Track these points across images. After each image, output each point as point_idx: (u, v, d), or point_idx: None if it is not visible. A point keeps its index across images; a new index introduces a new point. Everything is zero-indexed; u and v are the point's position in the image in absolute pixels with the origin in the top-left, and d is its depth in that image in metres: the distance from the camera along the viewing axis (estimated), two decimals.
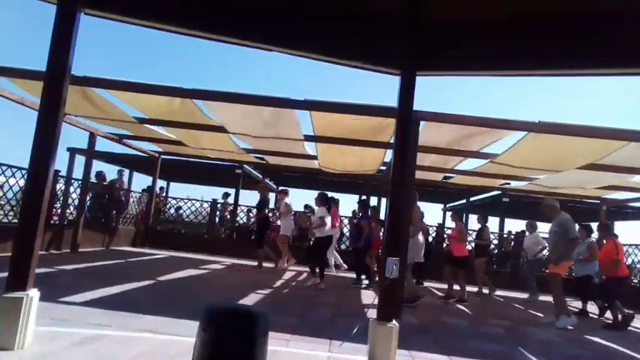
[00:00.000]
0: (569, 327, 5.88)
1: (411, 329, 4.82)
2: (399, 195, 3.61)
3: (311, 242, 9.92)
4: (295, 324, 4.45)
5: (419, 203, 7.05)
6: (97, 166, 10.74)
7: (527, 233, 9.73)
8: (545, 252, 9.03)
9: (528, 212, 14.80)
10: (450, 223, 13.70)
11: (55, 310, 3.88)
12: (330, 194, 8.72)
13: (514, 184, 10.00)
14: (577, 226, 7.75)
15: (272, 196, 11.80)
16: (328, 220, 7.43)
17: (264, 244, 8.99)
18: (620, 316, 6.62)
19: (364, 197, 9.07)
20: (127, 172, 12.11)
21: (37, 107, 3.31)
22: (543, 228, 9.58)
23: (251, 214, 12.80)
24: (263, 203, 9.08)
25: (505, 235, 12.88)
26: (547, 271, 6.34)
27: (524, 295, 9.24)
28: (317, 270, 7.52)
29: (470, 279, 8.55)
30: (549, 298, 6.61)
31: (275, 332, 3.68)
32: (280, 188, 9.52)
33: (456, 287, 7.52)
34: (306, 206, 12.78)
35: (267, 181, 13.81)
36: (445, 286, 7.79)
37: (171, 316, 4.10)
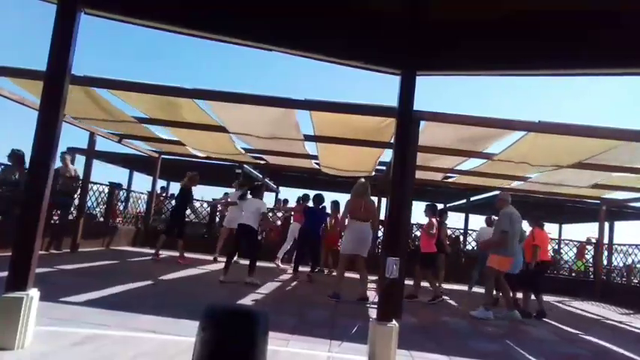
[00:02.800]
0: (481, 318, 6.01)
1: (411, 329, 4.82)
2: (399, 195, 3.62)
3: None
4: (295, 324, 4.45)
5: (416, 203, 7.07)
6: (97, 166, 10.67)
7: (484, 225, 9.55)
8: None
9: (528, 212, 14.81)
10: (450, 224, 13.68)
11: (55, 310, 3.88)
12: (326, 194, 8.84)
13: (514, 184, 10.00)
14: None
15: (271, 196, 11.67)
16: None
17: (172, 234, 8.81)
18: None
19: (319, 192, 9.11)
20: (73, 155, 9.53)
21: (37, 107, 3.31)
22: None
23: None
24: (182, 194, 8.86)
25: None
26: (487, 265, 6.47)
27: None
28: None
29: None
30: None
31: (275, 332, 3.68)
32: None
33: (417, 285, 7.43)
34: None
35: (267, 180, 13.80)
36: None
37: (171, 316, 4.10)
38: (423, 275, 7.29)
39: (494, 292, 6.73)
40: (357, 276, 6.57)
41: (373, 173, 10.17)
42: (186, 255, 8.96)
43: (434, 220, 7.40)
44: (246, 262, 7.07)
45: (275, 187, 16.59)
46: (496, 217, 9.15)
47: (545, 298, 9.07)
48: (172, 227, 8.83)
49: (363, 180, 6.85)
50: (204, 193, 42.38)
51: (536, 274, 6.90)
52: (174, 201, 9.28)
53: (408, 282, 6.91)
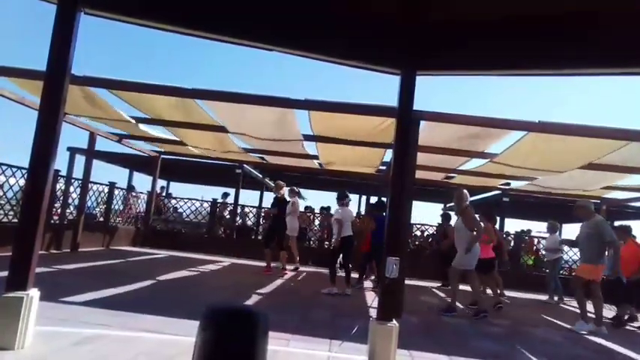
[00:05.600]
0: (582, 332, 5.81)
1: (411, 329, 4.82)
2: (399, 195, 3.61)
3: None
4: (295, 324, 4.45)
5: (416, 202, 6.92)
6: (97, 166, 10.68)
7: (548, 234, 9.55)
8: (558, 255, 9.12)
9: (528, 212, 14.82)
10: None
11: (55, 310, 3.88)
12: (326, 194, 8.64)
13: (514, 184, 10.00)
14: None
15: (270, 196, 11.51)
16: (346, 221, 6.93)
17: (274, 245, 8.55)
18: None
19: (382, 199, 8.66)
20: None
21: (37, 107, 3.31)
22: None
23: (252, 214, 12.85)
24: (278, 202, 8.56)
25: (504, 235, 12.89)
26: (574, 274, 6.19)
27: (544, 297, 9.22)
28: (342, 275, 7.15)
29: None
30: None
31: (275, 332, 3.68)
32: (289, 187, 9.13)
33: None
34: (307, 207, 12.79)
35: (266, 180, 13.82)
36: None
37: (171, 316, 4.10)
38: (486, 281, 7.14)
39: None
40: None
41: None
42: (212, 258, 8.86)
43: (490, 225, 7.33)
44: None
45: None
46: (554, 223, 9.19)
47: (545, 298, 9.12)
48: (273, 238, 8.50)
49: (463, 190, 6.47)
50: (204, 193, 42.34)
51: (636, 287, 6.84)
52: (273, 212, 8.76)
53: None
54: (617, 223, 8.00)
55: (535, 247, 12.60)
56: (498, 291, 7.50)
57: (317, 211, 12.53)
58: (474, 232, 6.05)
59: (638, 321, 6.98)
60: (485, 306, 6.18)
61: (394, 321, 3.38)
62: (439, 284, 9.33)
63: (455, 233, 6.44)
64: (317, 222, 12.51)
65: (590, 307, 6.11)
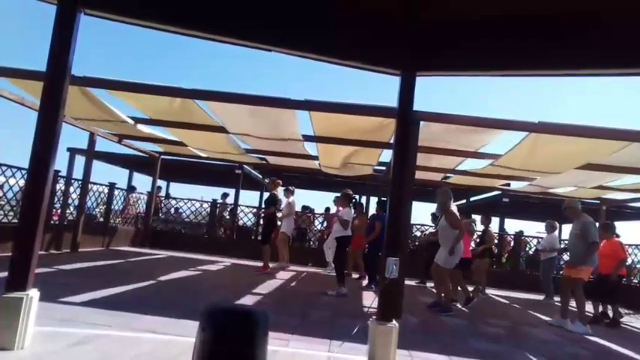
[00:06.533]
0: (583, 335, 5.72)
1: (411, 329, 4.82)
2: (399, 195, 3.61)
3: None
4: (295, 324, 4.45)
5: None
6: (97, 166, 10.69)
7: (546, 233, 9.65)
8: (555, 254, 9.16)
9: (528, 213, 14.80)
10: None
11: (54, 310, 3.88)
12: (326, 194, 8.65)
13: (514, 184, 9.99)
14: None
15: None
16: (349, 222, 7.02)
17: (269, 242, 8.57)
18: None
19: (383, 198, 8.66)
20: None
21: (37, 107, 3.31)
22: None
23: (251, 214, 12.85)
24: (271, 200, 8.67)
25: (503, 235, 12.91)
26: (561, 273, 6.23)
27: (540, 297, 9.23)
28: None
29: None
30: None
31: (275, 332, 3.68)
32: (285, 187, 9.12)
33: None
34: (305, 207, 12.80)
35: (266, 181, 13.82)
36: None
37: (171, 316, 4.10)
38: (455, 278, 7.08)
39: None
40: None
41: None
42: (212, 258, 8.85)
43: (467, 221, 7.36)
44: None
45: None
46: (553, 223, 9.20)
47: (542, 298, 9.12)
48: (269, 234, 8.61)
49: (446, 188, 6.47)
50: (204, 193, 42.29)
51: (618, 286, 6.97)
52: (265, 210, 8.86)
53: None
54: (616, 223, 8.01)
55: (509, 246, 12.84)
56: (480, 287, 7.58)
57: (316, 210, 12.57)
58: (457, 231, 6.04)
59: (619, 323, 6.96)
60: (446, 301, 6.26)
61: (394, 321, 3.38)
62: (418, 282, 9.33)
63: (439, 232, 6.43)
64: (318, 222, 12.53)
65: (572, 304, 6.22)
